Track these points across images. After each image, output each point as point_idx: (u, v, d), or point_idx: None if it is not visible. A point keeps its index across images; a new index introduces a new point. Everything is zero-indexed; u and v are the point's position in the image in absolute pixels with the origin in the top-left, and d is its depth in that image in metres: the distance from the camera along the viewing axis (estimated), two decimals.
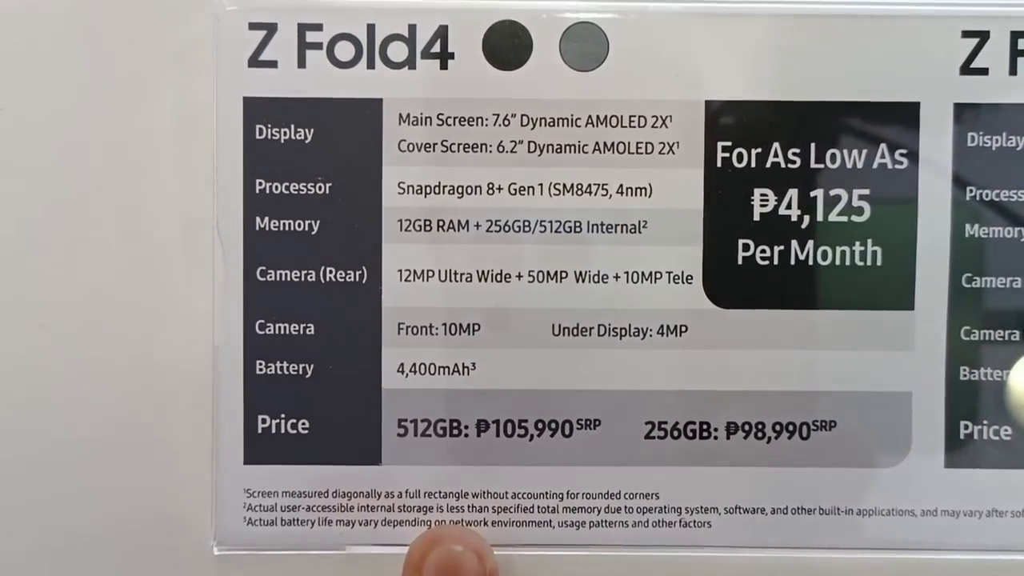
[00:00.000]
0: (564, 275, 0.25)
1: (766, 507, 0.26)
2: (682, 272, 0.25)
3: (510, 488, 0.26)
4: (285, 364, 0.25)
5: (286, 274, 0.25)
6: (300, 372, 0.25)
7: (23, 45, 0.26)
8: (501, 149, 0.25)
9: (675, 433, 0.26)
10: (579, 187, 0.25)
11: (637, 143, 0.25)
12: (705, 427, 0.26)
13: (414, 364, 0.25)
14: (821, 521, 0.26)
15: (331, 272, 0.25)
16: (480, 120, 0.25)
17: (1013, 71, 0.25)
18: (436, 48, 0.25)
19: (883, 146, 0.25)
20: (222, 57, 0.25)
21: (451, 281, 0.25)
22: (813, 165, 0.25)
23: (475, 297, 0.25)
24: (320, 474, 0.26)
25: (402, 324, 0.25)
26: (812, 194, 0.25)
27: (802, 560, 0.26)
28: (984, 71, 0.25)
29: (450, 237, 0.25)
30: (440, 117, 0.25)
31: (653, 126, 0.25)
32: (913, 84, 0.25)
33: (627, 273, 0.25)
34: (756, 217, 0.25)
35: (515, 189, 0.25)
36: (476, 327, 0.25)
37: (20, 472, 0.26)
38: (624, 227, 0.25)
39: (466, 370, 0.25)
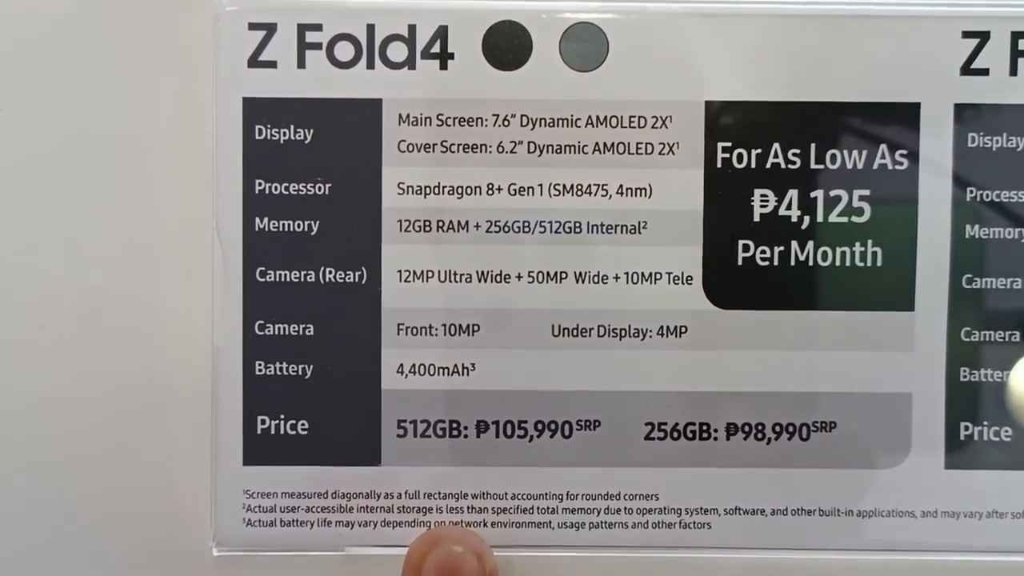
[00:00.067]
0: (564, 276, 0.25)
1: (766, 508, 0.26)
2: (682, 273, 0.25)
3: (510, 489, 0.26)
4: (284, 365, 0.25)
5: (286, 275, 0.25)
6: (300, 373, 0.25)
7: (23, 45, 0.26)
8: (501, 149, 0.25)
9: (675, 434, 0.26)
10: (579, 188, 0.25)
11: (637, 143, 0.25)
12: (705, 428, 0.26)
13: (414, 365, 0.25)
14: (821, 522, 0.26)
15: (331, 273, 0.25)
16: (480, 120, 0.25)
17: (1014, 72, 0.25)
18: (436, 48, 0.25)
19: (883, 147, 0.25)
20: (221, 57, 0.25)
21: (451, 282, 0.25)
22: (813, 166, 0.25)
23: (475, 298, 0.25)
24: (319, 475, 0.26)
25: (402, 325, 0.25)
26: (812, 195, 0.25)
27: (802, 561, 0.26)
28: (984, 71, 0.25)
29: (450, 238, 0.25)
30: (440, 117, 0.25)
31: (653, 126, 0.25)
32: (913, 85, 0.25)
33: (627, 274, 0.25)
34: (756, 218, 0.25)
35: (515, 189, 0.25)
36: (476, 328, 0.25)
37: (19, 473, 0.26)
38: (624, 228, 0.25)
39: (466, 371, 0.25)
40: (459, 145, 0.25)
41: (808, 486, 0.26)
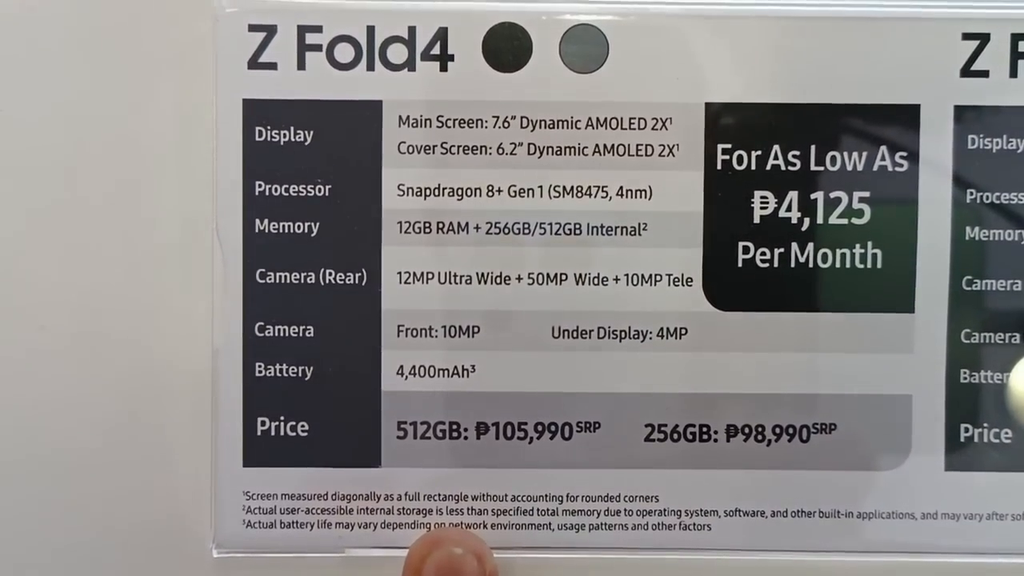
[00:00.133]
0: (564, 277, 0.25)
1: (766, 510, 0.26)
2: (682, 274, 0.25)
3: (510, 491, 0.26)
4: (284, 366, 0.25)
5: (286, 276, 0.25)
6: (300, 374, 0.25)
7: (23, 47, 0.26)
8: (501, 151, 0.25)
9: (675, 436, 0.26)
10: (579, 189, 0.25)
11: (637, 145, 0.25)
12: (705, 430, 0.26)
13: (414, 366, 0.25)
14: (821, 524, 0.26)
15: (331, 274, 0.25)
16: (480, 122, 0.25)
17: (1014, 73, 0.25)
18: (436, 50, 0.25)
19: (883, 148, 0.25)
20: (221, 59, 0.25)
21: (451, 283, 0.25)
22: (813, 167, 0.25)
23: (475, 299, 0.25)
24: (319, 476, 0.26)
25: (402, 326, 0.25)
26: (812, 196, 0.25)
27: (802, 563, 0.26)
28: (984, 73, 0.25)
29: (450, 239, 0.25)
30: (440, 119, 0.25)
31: (653, 128, 0.25)
32: (913, 86, 0.25)
33: (627, 275, 0.25)
34: (756, 219, 0.25)
35: (515, 191, 0.25)
36: (476, 329, 0.25)
37: (19, 474, 0.26)
38: (624, 229, 0.25)
39: (466, 372, 0.25)
40: (459, 147, 0.25)
41: (808, 488, 0.26)
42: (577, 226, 0.25)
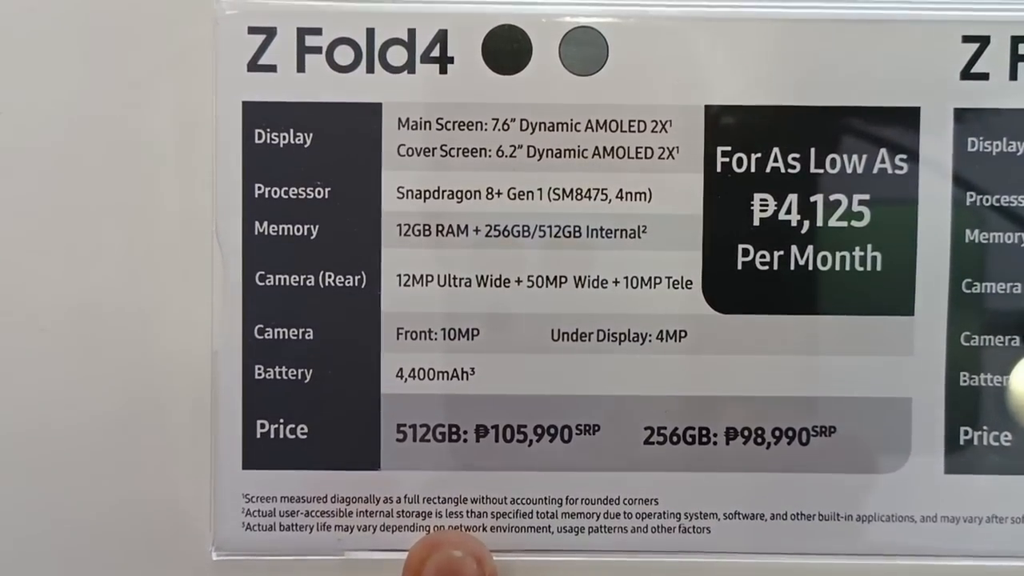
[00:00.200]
0: (564, 280, 0.25)
1: (765, 513, 0.26)
2: (682, 277, 0.25)
3: (509, 493, 0.26)
4: (284, 369, 0.25)
5: (285, 279, 0.25)
6: (299, 377, 0.25)
7: (22, 49, 0.26)
8: (500, 154, 0.25)
9: (674, 439, 0.26)
10: (579, 192, 0.25)
11: (637, 148, 0.25)
12: (704, 433, 0.26)
13: (413, 369, 0.25)
14: (820, 527, 0.26)
15: (330, 277, 0.25)
16: (479, 124, 0.25)
17: (1013, 76, 0.25)
18: (435, 52, 0.25)
19: (883, 151, 0.25)
20: (221, 61, 0.25)
21: (450, 286, 0.25)
22: (813, 170, 0.25)
23: (474, 302, 0.25)
24: (319, 479, 0.26)
25: (401, 329, 0.25)
26: (812, 199, 0.25)
27: (801, 566, 0.26)
28: (984, 76, 0.25)
29: (449, 242, 0.25)
30: (439, 121, 0.25)
31: (653, 131, 0.25)
32: (913, 89, 0.25)
33: (627, 278, 0.25)
34: (756, 222, 0.25)
35: (515, 193, 0.25)
36: (475, 332, 0.25)
37: (19, 476, 0.26)
38: (624, 232, 0.25)
39: (465, 375, 0.25)
40: (459, 149, 0.25)
41: (808, 490, 0.26)
42: (577, 228, 0.25)
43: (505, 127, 0.25)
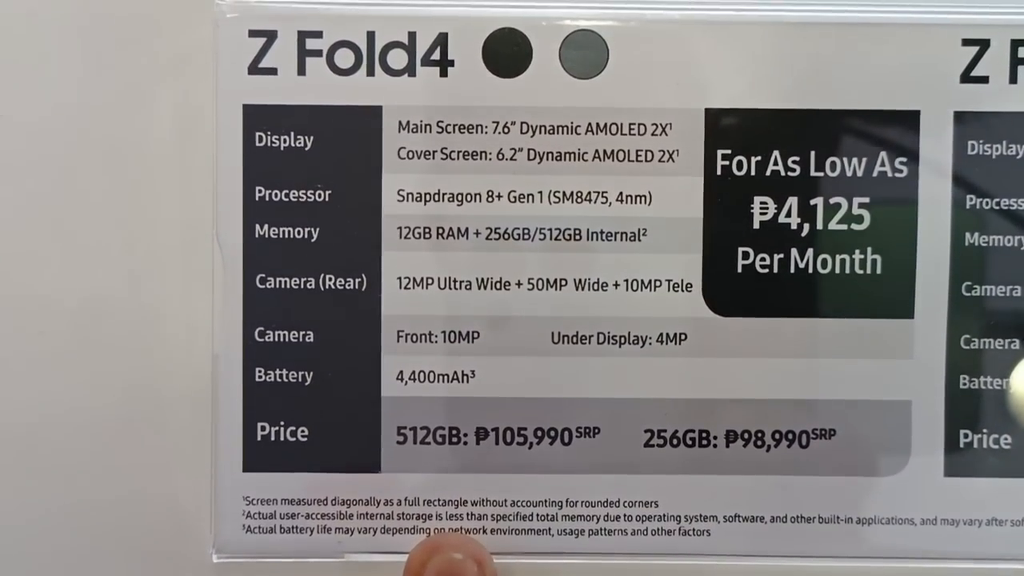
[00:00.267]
0: (564, 283, 0.25)
1: (765, 515, 0.26)
2: (682, 280, 0.25)
3: (509, 496, 0.26)
4: (284, 371, 0.25)
5: (286, 281, 0.25)
6: (299, 380, 0.25)
7: (23, 52, 0.26)
8: (501, 156, 0.25)
9: (674, 441, 0.26)
10: (579, 195, 0.25)
11: (637, 151, 0.25)
12: (704, 435, 0.26)
13: (413, 372, 0.25)
14: (820, 530, 0.26)
15: (331, 279, 0.25)
16: (480, 128, 0.25)
17: (1013, 79, 0.25)
18: (436, 55, 0.25)
19: (883, 154, 0.25)
20: (222, 64, 0.25)
21: (451, 289, 0.25)
22: (813, 173, 0.25)
23: (475, 305, 0.25)
24: (319, 481, 0.26)
25: (401, 332, 0.25)
26: (812, 202, 0.25)
27: (801, 569, 0.26)
28: (984, 79, 0.25)
29: (450, 244, 0.25)
30: (440, 124, 0.25)
31: (653, 134, 0.25)
32: (913, 92, 0.25)
33: (627, 281, 0.25)
34: (756, 225, 0.25)
35: (515, 196, 0.25)
36: (476, 335, 0.25)
37: (19, 478, 0.26)
38: (624, 235, 0.25)
39: (465, 378, 0.25)
40: (459, 152, 0.25)
41: (808, 493, 0.26)
42: (577, 231, 0.25)
43: (505, 130, 0.25)
